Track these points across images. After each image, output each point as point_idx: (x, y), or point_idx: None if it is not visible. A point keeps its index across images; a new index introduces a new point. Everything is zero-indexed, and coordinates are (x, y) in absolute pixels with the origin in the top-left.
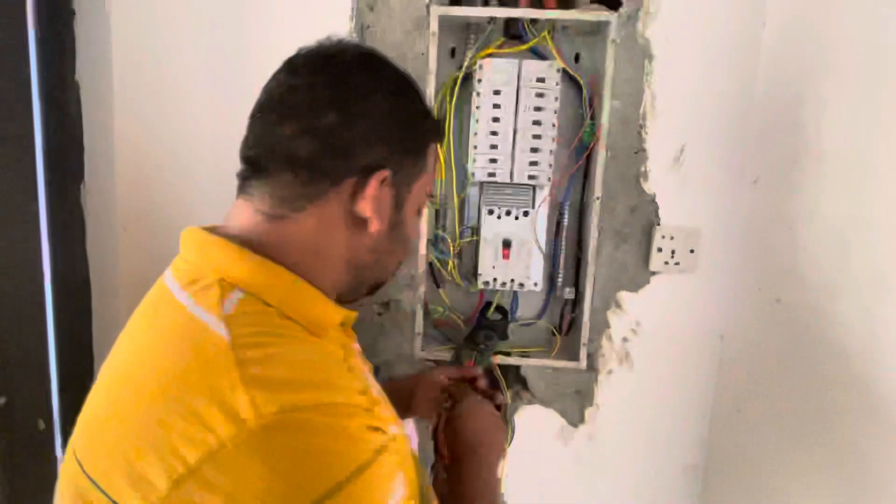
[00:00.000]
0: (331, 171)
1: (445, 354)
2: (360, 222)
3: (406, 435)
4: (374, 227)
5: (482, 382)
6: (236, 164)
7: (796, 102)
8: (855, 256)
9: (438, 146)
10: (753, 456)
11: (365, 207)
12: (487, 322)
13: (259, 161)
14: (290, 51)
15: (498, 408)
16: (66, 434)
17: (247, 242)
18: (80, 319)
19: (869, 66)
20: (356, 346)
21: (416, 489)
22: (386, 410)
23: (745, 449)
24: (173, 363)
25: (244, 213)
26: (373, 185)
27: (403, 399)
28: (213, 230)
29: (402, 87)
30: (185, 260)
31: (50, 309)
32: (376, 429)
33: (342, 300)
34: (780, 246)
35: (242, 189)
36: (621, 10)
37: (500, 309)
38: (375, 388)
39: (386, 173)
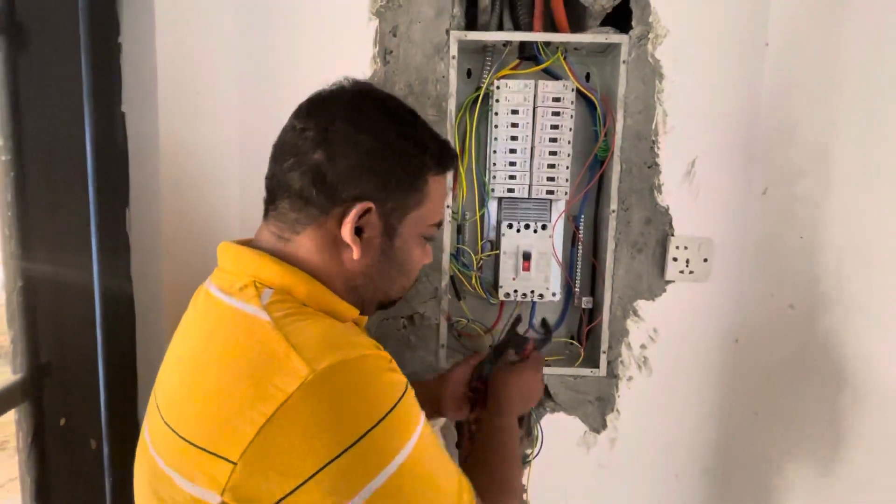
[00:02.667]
0: (318, 201)
1: None
2: (348, 247)
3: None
4: (356, 254)
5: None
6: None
7: (799, 117)
8: (863, 263)
9: (447, 173)
10: (770, 458)
11: (344, 234)
12: (517, 338)
13: (271, 192)
14: (316, 77)
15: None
16: (114, 453)
17: (270, 254)
18: (125, 341)
19: (867, 81)
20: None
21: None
22: (395, 364)
23: (761, 452)
24: (234, 344)
25: (264, 234)
26: (351, 216)
27: (431, 400)
28: (241, 242)
29: (393, 124)
30: (223, 269)
31: (99, 331)
32: (396, 372)
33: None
34: (790, 253)
35: (264, 213)
36: (632, 32)
37: (544, 324)
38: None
39: (368, 205)
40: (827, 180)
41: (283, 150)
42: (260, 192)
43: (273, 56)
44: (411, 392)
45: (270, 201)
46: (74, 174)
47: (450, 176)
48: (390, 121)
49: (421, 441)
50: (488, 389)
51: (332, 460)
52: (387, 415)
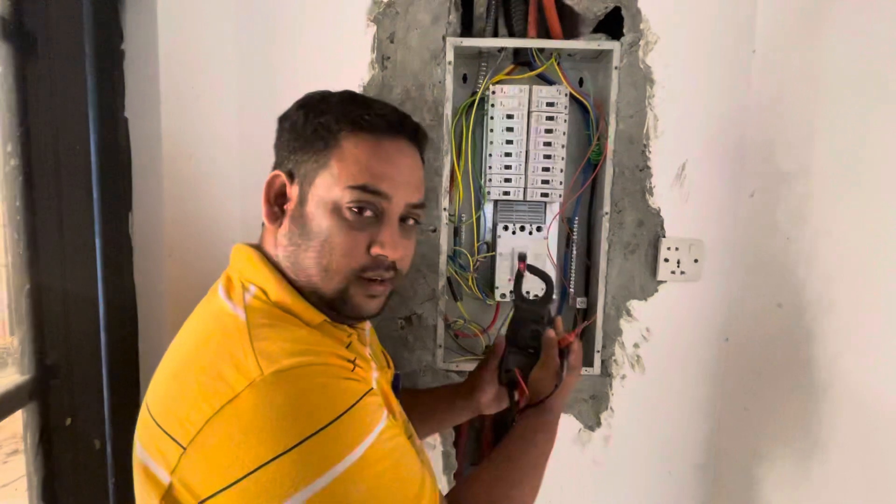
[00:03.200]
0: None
1: (467, 364)
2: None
3: (378, 389)
4: (266, 218)
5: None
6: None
7: (785, 122)
8: (847, 263)
9: (373, 135)
10: (760, 453)
11: (263, 211)
12: (526, 308)
13: None
14: (315, 82)
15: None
16: (117, 454)
17: (257, 251)
18: (128, 343)
19: (851, 87)
20: (367, 351)
21: (401, 428)
22: (364, 372)
23: (752, 447)
24: (207, 339)
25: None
26: (265, 186)
27: (466, 406)
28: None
29: (318, 100)
30: (230, 267)
31: (103, 333)
32: (358, 381)
33: (334, 306)
34: (777, 254)
35: None
36: (623, 39)
37: (535, 271)
38: (361, 358)
39: (276, 172)
40: (812, 184)
41: None
42: (259, 195)
43: (273, 61)
44: (368, 401)
45: None
46: (79, 179)
47: (392, 144)
48: (321, 100)
49: (372, 452)
50: (529, 382)
51: (266, 463)
52: (329, 424)
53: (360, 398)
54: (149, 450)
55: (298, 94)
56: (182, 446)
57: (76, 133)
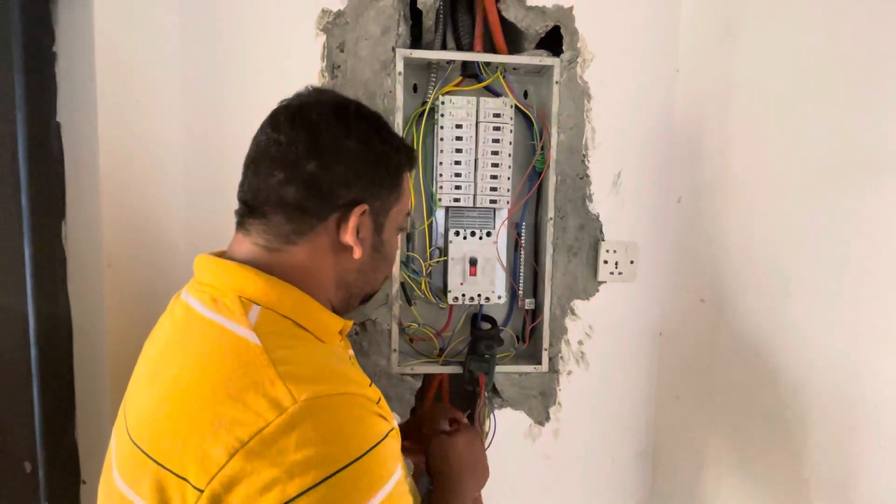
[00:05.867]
0: (316, 210)
1: (422, 368)
2: (346, 249)
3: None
4: (357, 253)
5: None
6: (214, 199)
7: (705, 135)
8: (758, 261)
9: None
10: (692, 437)
11: (347, 237)
12: (481, 333)
13: (254, 205)
14: (264, 89)
15: (470, 417)
16: (49, 476)
17: (253, 266)
18: (62, 360)
19: (761, 104)
20: (350, 352)
21: (406, 474)
22: (386, 405)
23: (684, 432)
24: (220, 367)
25: (246, 246)
26: (353, 219)
27: (417, 433)
28: (219, 254)
29: (372, 129)
30: (202, 282)
31: (34, 350)
32: (383, 417)
33: (337, 311)
34: (700, 254)
35: (241, 225)
36: (562, 55)
37: (487, 318)
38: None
39: (364, 207)
40: (727, 190)
41: (270, 165)
42: (206, 203)
43: (219, 65)
44: (392, 440)
45: (252, 214)
46: (6, 186)
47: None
48: (370, 126)
49: (390, 497)
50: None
51: (297, 496)
52: (359, 458)
53: (385, 437)
54: (137, 487)
55: (246, 98)
56: (198, 489)
57: (3, 138)
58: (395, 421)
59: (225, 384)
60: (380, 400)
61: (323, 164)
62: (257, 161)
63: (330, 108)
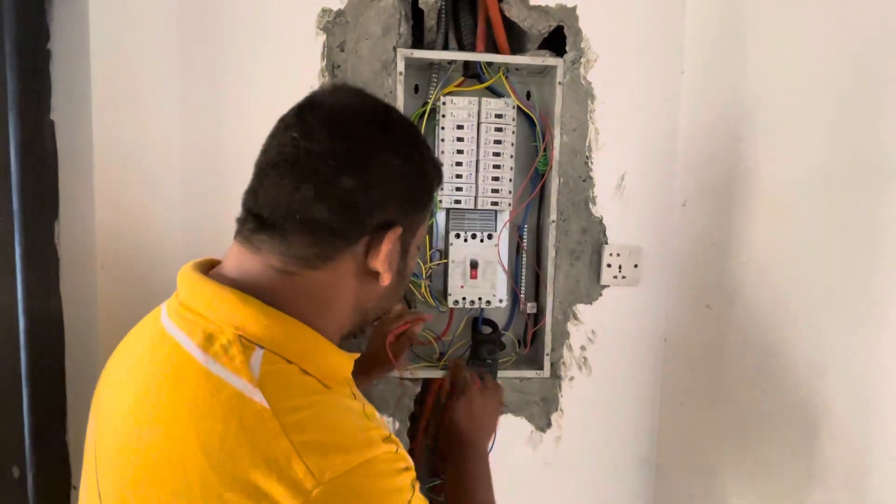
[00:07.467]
0: (346, 232)
1: (422, 372)
2: (372, 274)
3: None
4: (386, 280)
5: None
6: (211, 202)
7: (711, 138)
8: (765, 266)
9: None
10: (696, 444)
11: (378, 264)
12: (482, 337)
13: (272, 220)
14: (263, 87)
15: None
16: (38, 481)
17: (256, 291)
18: (53, 362)
19: (770, 106)
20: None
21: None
22: (401, 444)
23: (688, 439)
24: (222, 437)
25: (252, 265)
26: (387, 244)
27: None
28: (213, 274)
29: (412, 144)
30: (192, 310)
31: (24, 352)
32: (406, 468)
33: (346, 335)
34: (706, 258)
35: (248, 240)
36: (566, 56)
37: (488, 322)
38: (383, 423)
39: (399, 230)
40: (734, 193)
41: (296, 176)
42: (201, 203)
43: (217, 64)
44: (415, 485)
45: (266, 230)
46: None
47: None
48: (412, 139)
49: None
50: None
51: None
52: None
53: (412, 495)
54: None
55: (245, 99)
56: None
57: None
58: (408, 456)
59: (231, 461)
60: (398, 446)
61: (363, 182)
62: (279, 168)
63: (372, 117)
